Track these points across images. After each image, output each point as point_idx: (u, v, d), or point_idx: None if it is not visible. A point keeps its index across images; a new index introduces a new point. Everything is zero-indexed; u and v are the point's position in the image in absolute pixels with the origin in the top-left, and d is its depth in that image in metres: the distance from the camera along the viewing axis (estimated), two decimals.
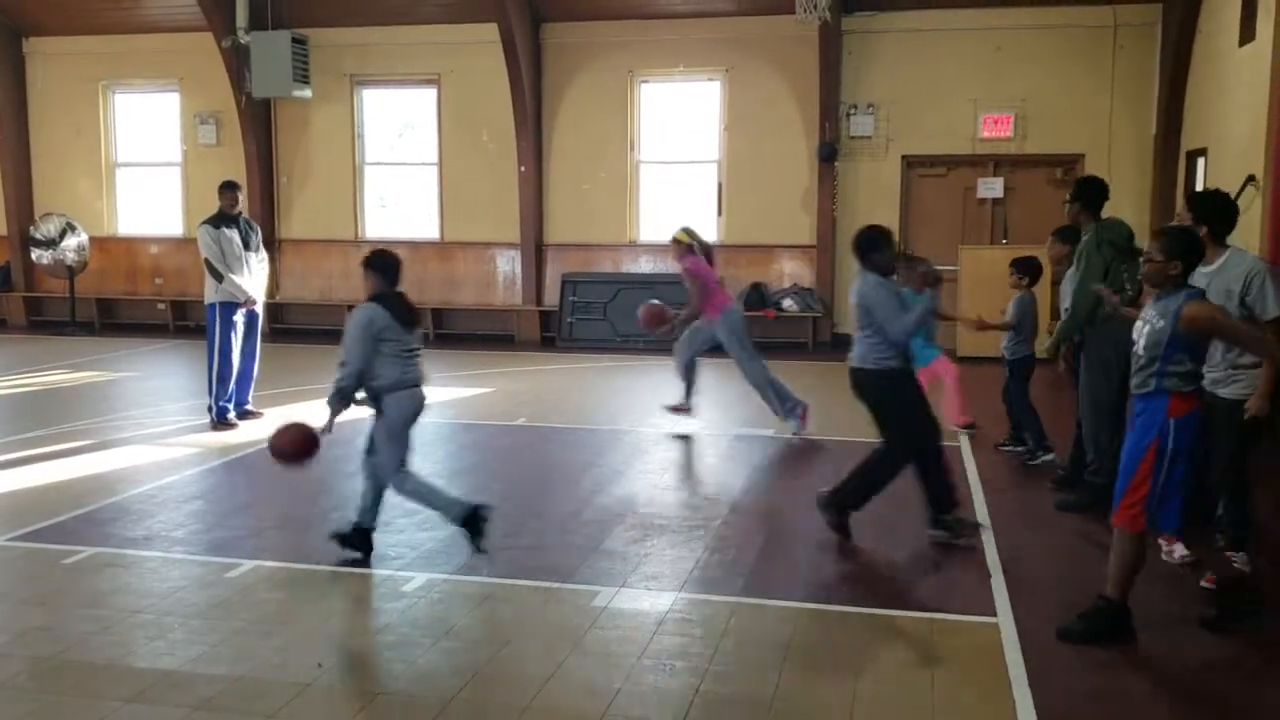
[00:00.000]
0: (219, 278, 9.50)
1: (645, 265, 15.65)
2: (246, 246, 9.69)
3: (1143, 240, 6.73)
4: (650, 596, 5.52)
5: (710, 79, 15.34)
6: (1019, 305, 8.42)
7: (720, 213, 15.41)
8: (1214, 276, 5.47)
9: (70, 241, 16.24)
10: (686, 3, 14.98)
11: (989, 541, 6.39)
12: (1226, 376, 5.52)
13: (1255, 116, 10.38)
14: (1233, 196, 10.36)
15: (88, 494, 7.33)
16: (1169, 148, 13.57)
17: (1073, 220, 7.41)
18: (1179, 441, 4.78)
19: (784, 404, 9.34)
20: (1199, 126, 12.81)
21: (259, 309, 9.89)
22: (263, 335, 10.16)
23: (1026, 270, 8.48)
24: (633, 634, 5.02)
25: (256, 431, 9.42)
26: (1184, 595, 5.46)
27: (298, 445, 6.05)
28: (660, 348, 14.53)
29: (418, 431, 9.71)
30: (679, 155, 15.69)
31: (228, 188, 9.80)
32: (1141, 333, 4.89)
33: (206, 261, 9.52)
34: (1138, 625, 5.01)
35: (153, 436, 9.26)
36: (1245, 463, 5.67)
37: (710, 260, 9.71)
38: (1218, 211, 5.60)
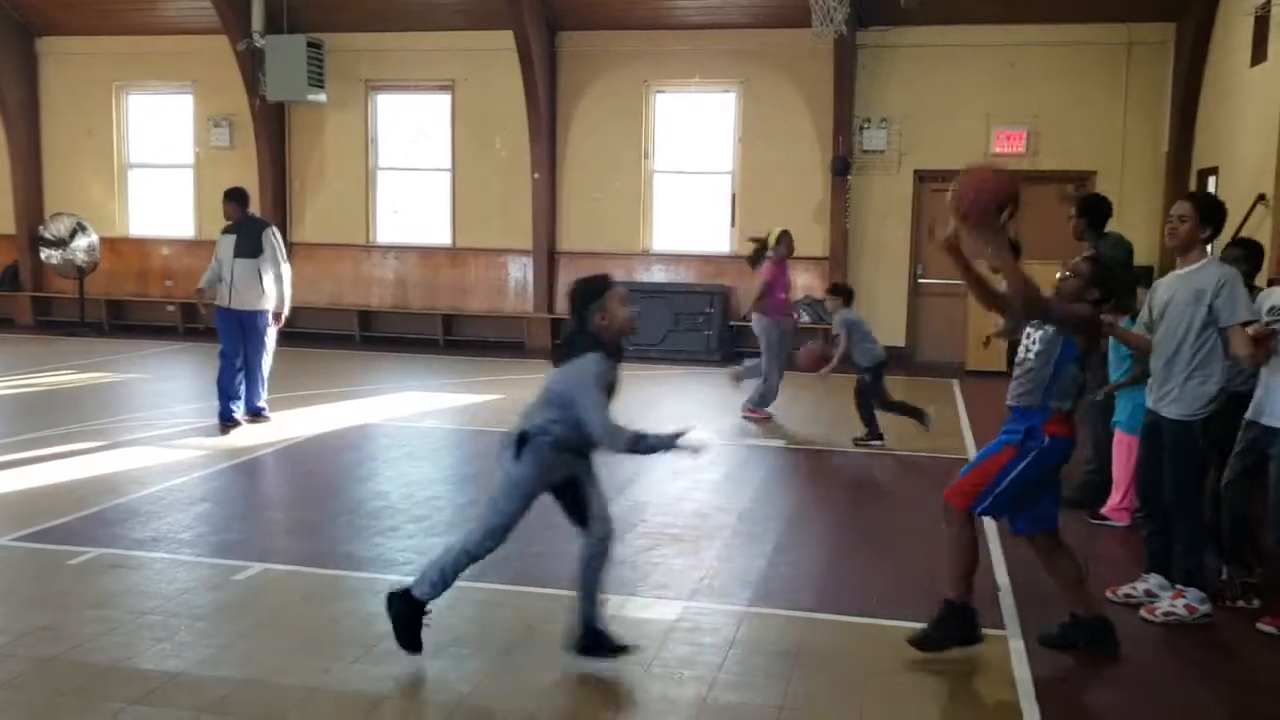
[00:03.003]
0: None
1: (658, 274, 15.66)
2: (235, 254, 9.60)
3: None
4: (659, 605, 5.50)
5: (725, 90, 15.36)
6: (845, 324, 9.46)
7: (733, 224, 15.42)
8: (1186, 278, 5.34)
9: (80, 242, 16.27)
10: (702, 14, 15.01)
11: (996, 554, 6.37)
12: (1164, 395, 5.35)
13: (1266, 136, 10.38)
14: (1243, 216, 10.45)
15: (94, 495, 7.33)
16: (1180, 166, 13.56)
17: (1079, 235, 7.68)
18: (1041, 458, 4.74)
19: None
20: (1210, 145, 12.80)
21: (259, 319, 9.69)
22: (270, 343, 9.99)
23: (840, 293, 9.77)
24: (641, 642, 4.99)
25: (265, 434, 9.44)
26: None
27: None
28: (670, 357, 14.53)
29: (427, 438, 9.75)
30: (693, 166, 15.70)
31: (225, 197, 9.90)
32: (1029, 349, 4.84)
33: None
34: (1149, 639, 4.98)
35: (161, 438, 9.26)
36: (1195, 487, 5.41)
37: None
38: (1221, 218, 5.47)
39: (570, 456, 4.65)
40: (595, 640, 4.71)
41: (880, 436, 9.50)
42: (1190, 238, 5.35)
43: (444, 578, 4.67)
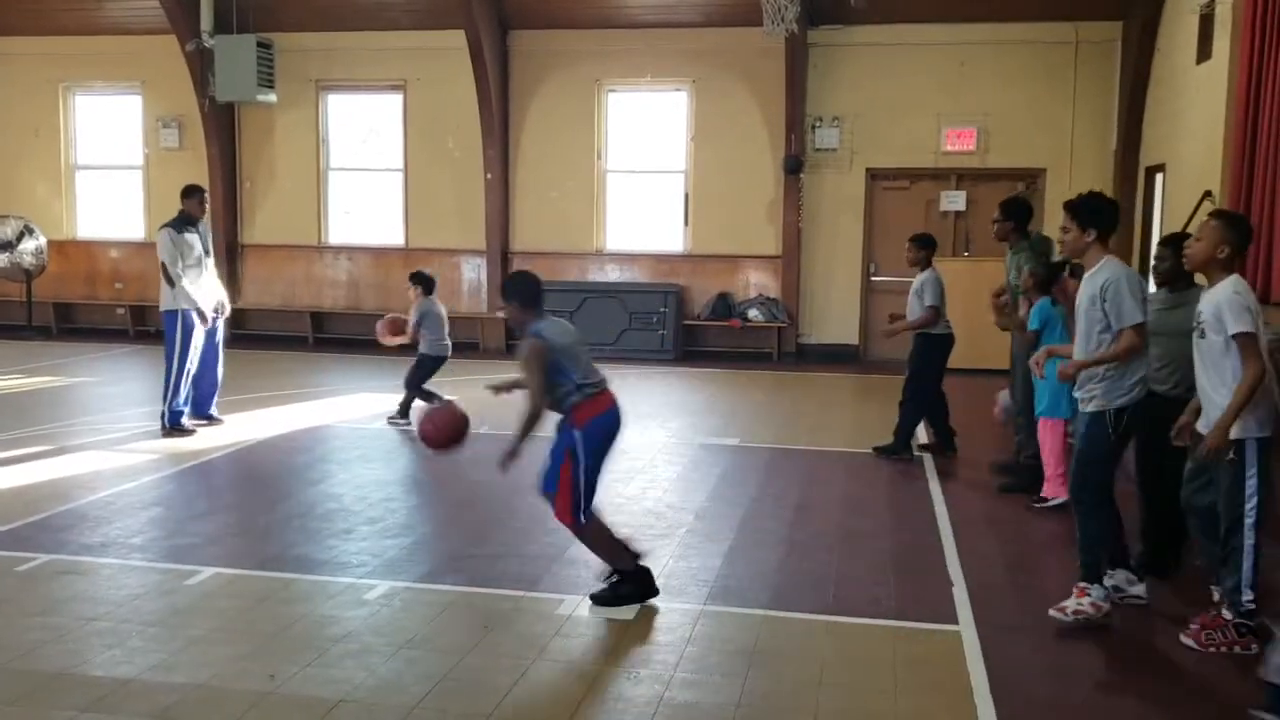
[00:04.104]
0: (171, 283, 9.39)
1: (612, 274, 15.65)
2: (205, 252, 9.59)
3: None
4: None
5: (677, 89, 15.38)
6: (421, 312, 9.99)
7: (686, 223, 15.45)
8: (1088, 281, 5.34)
9: (28, 244, 16.01)
10: (654, 13, 15.01)
11: (950, 549, 6.43)
12: (1085, 394, 5.31)
13: (1212, 133, 10.53)
14: (1190, 212, 10.61)
15: (42, 500, 7.21)
16: (1128, 163, 13.75)
17: (1003, 236, 8.48)
18: (586, 446, 5.34)
19: None
20: (1158, 143, 12.98)
21: (220, 318, 9.74)
22: (224, 341, 9.99)
23: (420, 281, 10.19)
24: (597, 642, 5.01)
25: (217, 438, 9.34)
26: (1149, 612, 5.51)
27: (445, 431, 6.10)
28: (624, 356, 14.53)
29: (380, 439, 9.69)
30: (646, 165, 15.71)
31: (195, 192, 9.67)
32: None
33: (164, 266, 9.39)
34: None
35: (110, 442, 9.14)
36: (1095, 483, 5.32)
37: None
38: (1103, 216, 5.39)
39: None
40: None
41: (406, 416, 9.87)
42: (1076, 244, 5.37)
43: None
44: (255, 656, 4.78)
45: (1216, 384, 5.00)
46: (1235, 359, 4.90)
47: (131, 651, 4.82)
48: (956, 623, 5.30)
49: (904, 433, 8.98)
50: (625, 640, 5.03)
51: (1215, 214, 5.44)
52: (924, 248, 9.04)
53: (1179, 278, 5.90)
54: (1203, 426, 5.11)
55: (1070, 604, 5.28)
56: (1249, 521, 4.97)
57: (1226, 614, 5.10)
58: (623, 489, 7.85)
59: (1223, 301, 4.92)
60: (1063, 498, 7.06)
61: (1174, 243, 6.10)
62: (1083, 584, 5.31)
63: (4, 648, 4.84)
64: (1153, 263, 6.09)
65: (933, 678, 4.74)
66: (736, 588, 5.80)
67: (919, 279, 8.91)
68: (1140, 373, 5.26)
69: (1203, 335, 5.10)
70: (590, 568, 6.06)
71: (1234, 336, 4.87)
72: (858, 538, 6.76)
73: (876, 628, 5.26)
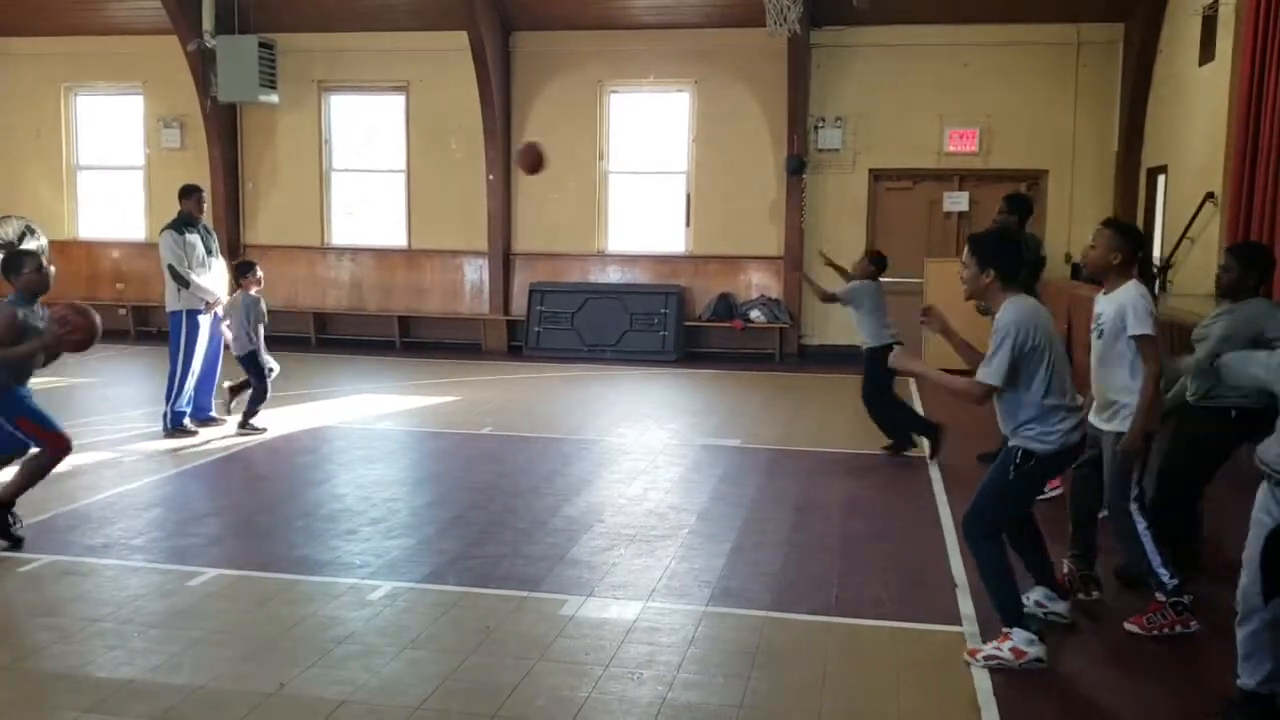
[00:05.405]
0: (185, 283, 9.39)
1: (614, 275, 15.65)
2: (209, 252, 9.62)
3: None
4: (618, 605, 5.50)
5: (679, 90, 15.38)
6: (246, 306, 9.62)
7: (688, 224, 15.44)
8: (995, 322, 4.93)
9: (30, 245, 15.96)
10: (656, 14, 15.01)
11: (954, 551, 6.43)
12: (1017, 431, 4.92)
13: (1214, 135, 10.53)
14: (1192, 214, 10.61)
15: (44, 501, 7.19)
16: (1130, 165, 13.75)
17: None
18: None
19: None
20: (1159, 144, 12.98)
21: (221, 312, 9.82)
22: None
23: (243, 272, 9.82)
24: (600, 643, 5.00)
25: (219, 438, 9.33)
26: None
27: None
28: (626, 358, 14.52)
29: (383, 440, 9.68)
30: (648, 166, 15.71)
31: (194, 192, 9.70)
32: None
33: (170, 267, 9.39)
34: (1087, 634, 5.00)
35: (112, 443, 9.13)
36: (993, 514, 5.01)
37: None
38: (1006, 257, 4.92)
39: None
40: None
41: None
42: (975, 283, 4.96)
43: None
44: (257, 658, 4.77)
45: (1113, 383, 5.25)
46: (1131, 359, 5.16)
47: (133, 653, 4.81)
48: (960, 624, 5.30)
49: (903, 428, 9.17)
50: (628, 641, 5.02)
51: (1106, 222, 5.59)
52: (874, 264, 9.21)
53: (1238, 290, 5.60)
54: (1097, 421, 5.34)
55: (986, 649, 4.85)
56: (1134, 507, 5.25)
57: (1160, 596, 5.22)
58: (625, 489, 7.85)
59: (1127, 304, 5.17)
60: (1057, 490, 7.08)
61: (1240, 252, 5.77)
62: (1005, 629, 4.87)
63: (8, 649, 4.85)
64: (1216, 272, 5.83)
65: (935, 679, 4.73)
66: (739, 589, 5.79)
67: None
68: (1066, 428, 4.83)
69: (1100, 335, 5.30)
70: (593, 569, 6.07)
71: (1135, 338, 5.11)
72: (860, 539, 6.75)
73: (879, 629, 5.26)
